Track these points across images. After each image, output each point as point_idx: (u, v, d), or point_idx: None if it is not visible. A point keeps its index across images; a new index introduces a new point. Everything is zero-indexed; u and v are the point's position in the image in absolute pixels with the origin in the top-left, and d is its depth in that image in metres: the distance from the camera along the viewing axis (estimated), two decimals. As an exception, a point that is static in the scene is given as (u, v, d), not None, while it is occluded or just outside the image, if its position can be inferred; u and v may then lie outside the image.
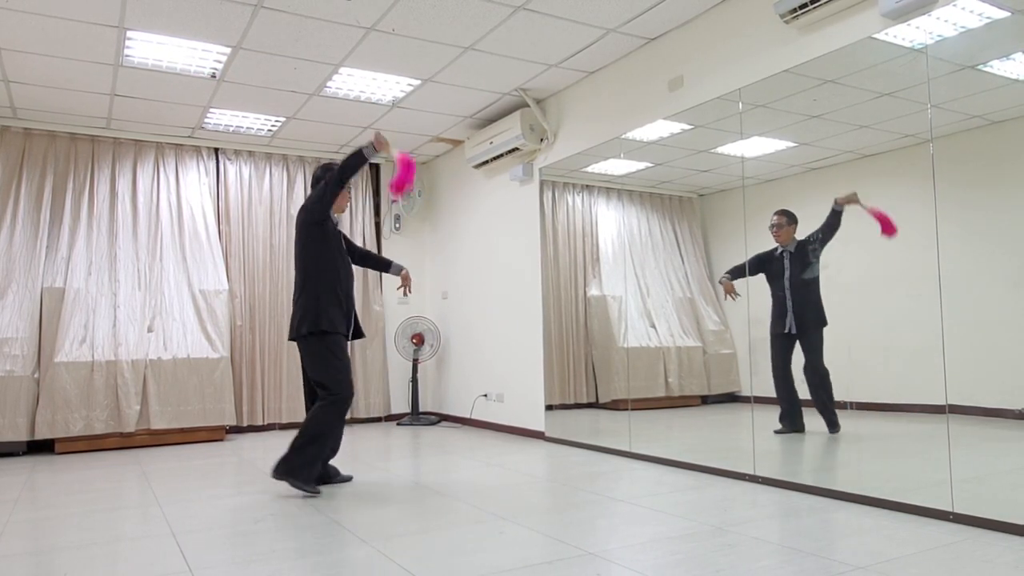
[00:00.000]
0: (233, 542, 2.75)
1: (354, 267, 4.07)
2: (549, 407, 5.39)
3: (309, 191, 4.13)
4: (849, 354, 3.59)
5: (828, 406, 3.75)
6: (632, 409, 4.79)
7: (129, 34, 4.14)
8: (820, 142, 3.81)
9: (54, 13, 3.87)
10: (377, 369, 6.82)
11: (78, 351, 5.36)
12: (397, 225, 7.17)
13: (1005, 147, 2.99)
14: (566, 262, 5.56)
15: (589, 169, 5.27)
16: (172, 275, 5.91)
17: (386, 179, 7.15)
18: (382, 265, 4.25)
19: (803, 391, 3.85)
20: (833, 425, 3.73)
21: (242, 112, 5.54)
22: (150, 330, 5.70)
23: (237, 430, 6.10)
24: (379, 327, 6.87)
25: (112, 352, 5.45)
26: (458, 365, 6.70)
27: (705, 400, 4.93)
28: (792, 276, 3.83)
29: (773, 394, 3.89)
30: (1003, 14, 2.79)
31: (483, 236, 6.31)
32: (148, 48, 4.33)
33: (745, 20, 3.81)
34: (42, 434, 5.15)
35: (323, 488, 3.72)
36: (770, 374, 3.91)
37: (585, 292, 5.52)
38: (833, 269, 3.65)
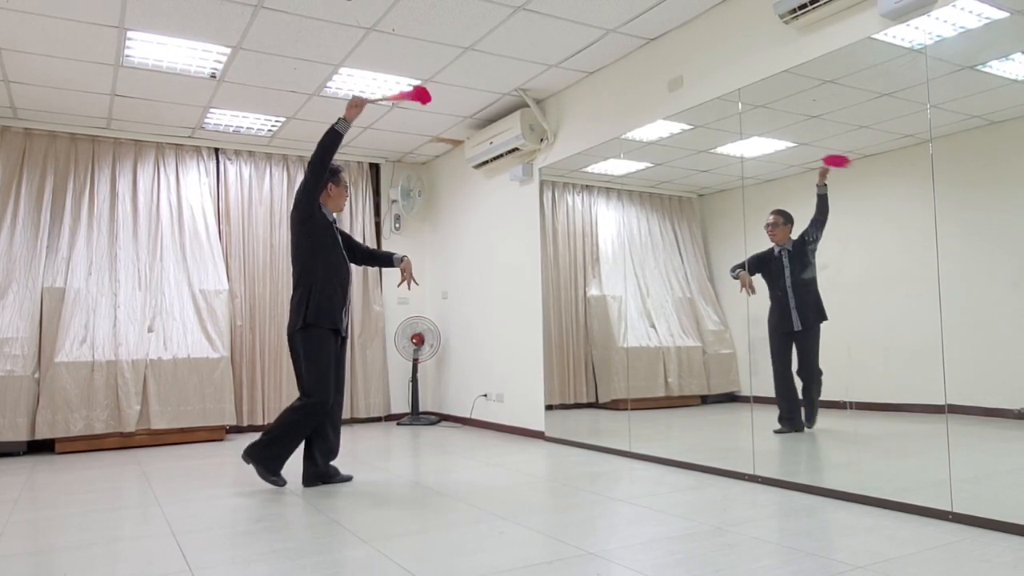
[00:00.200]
0: (233, 542, 2.75)
1: (354, 267, 4.07)
2: (549, 407, 5.39)
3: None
4: (849, 354, 3.59)
5: (815, 403, 3.81)
6: (632, 409, 4.79)
7: (129, 34, 4.14)
8: (820, 142, 3.81)
9: (54, 13, 3.87)
10: (377, 369, 6.82)
11: (78, 351, 5.36)
12: (397, 225, 7.17)
13: (1004, 147, 2.99)
14: (566, 262, 5.57)
15: (589, 169, 5.27)
16: (172, 275, 5.91)
17: (386, 178, 7.15)
18: (385, 261, 4.21)
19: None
20: (812, 419, 3.81)
21: (242, 112, 5.54)
22: (150, 330, 5.70)
23: (237, 430, 6.11)
24: (379, 327, 6.87)
25: (112, 352, 5.45)
26: (458, 365, 6.71)
27: (705, 400, 4.94)
28: (793, 274, 3.84)
29: (773, 394, 3.89)
30: (1002, 14, 2.80)
31: (483, 236, 6.31)
32: (148, 48, 4.34)
33: (745, 20, 3.81)
34: (42, 434, 5.16)
35: (323, 488, 3.73)
36: (770, 374, 3.91)
37: (585, 292, 5.53)
38: (833, 269, 3.65)
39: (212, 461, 4.75)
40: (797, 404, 3.87)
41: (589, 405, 5.46)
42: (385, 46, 4.39)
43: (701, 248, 5.03)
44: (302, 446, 3.81)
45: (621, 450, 4.55)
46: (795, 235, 3.83)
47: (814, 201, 3.67)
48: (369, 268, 6.84)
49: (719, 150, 4.34)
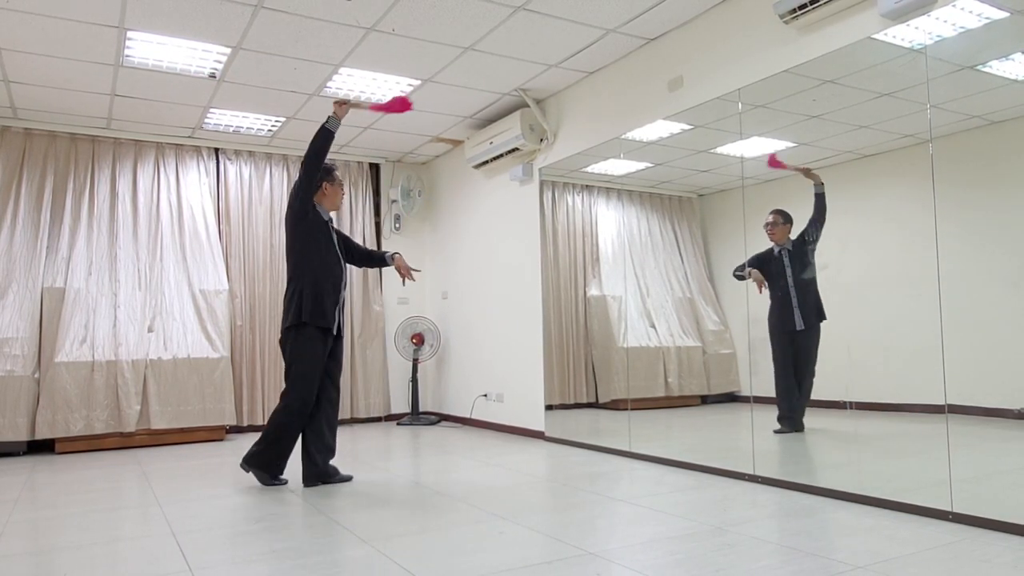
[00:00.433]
0: (233, 542, 2.75)
1: (354, 267, 4.07)
2: (549, 407, 5.39)
3: None
4: (849, 354, 3.59)
5: (804, 404, 3.86)
6: (632, 409, 4.79)
7: (129, 34, 4.14)
8: (819, 142, 3.81)
9: (54, 13, 3.87)
10: (377, 369, 6.82)
11: (78, 351, 5.36)
12: (397, 225, 7.17)
13: (1004, 147, 2.99)
14: (566, 262, 5.57)
15: (589, 169, 5.27)
16: (172, 275, 5.91)
17: (386, 178, 7.15)
18: (380, 261, 4.21)
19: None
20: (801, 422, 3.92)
21: (242, 112, 5.54)
22: (150, 330, 5.70)
23: (237, 430, 6.11)
24: (379, 327, 6.87)
25: (112, 352, 5.45)
26: (458, 365, 6.71)
27: (705, 400, 4.94)
28: (794, 274, 3.85)
29: (773, 394, 3.89)
30: (1002, 14, 2.80)
31: (483, 236, 6.31)
32: (148, 48, 4.34)
33: (745, 20, 3.81)
34: (42, 434, 5.16)
35: (323, 488, 3.73)
36: (770, 374, 3.91)
37: (585, 292, 5.53)
38: (833, 269, 3.65)
39: (212, 461, 4.75)
40: (797, 404, 3.88)
41: (589, 405, 5.46)
42: (385, 46, 4.39)
43: (701, 248, 5.03)
44: (299, 445, 3.81)
45: (621, 450, 4.55)
46: (794, 235, 3.83)
47: (813, 200, 3.67)
48: (369, 268, 6.84)
49: (719, 150, 4.34)
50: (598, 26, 4.20)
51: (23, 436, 5.13)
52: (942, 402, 2.82)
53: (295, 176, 6.56)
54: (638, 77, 4.58)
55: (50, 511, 3.38)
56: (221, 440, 5.73)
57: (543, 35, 4.30)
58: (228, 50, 4.39)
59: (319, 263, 3.76)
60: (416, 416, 6.72)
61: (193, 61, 4.54)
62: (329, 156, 6.66)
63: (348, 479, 3.91)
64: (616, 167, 5.10)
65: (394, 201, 7.08)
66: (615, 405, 5.12)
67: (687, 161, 4.82)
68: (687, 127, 4.37)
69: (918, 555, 2.34)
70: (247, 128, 5.92)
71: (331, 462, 3.87)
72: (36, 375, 5.26)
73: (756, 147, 3.94)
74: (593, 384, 5.47)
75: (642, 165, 5.03)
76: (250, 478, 3.94)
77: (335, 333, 3.82)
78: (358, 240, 6.83)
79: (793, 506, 3.06)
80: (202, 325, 5.86)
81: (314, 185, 3.77)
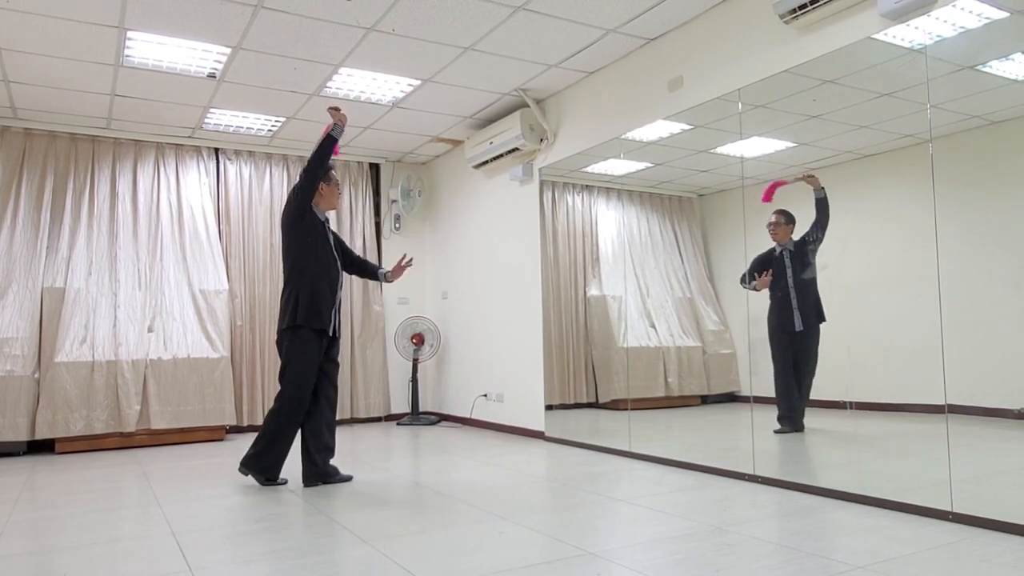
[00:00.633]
0: (233, 542, 2.75)
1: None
2: (549, 407, 5.39)
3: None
4: (849, 354, 3.59)
5: (803, 405, 3.86)
6: (632, 409, 4.79)
7: (129, 34, 4.14)
8: (819, 142, 3.81)
9: (54, 13, 3.87)
10: (377, 369, 6.82)
11: (78, 351, 5.36)
12: (397, 225, 7.17)
13: (1004, 147, 2.99)
14: (566, 262, 5.57)
15: (589, 169, 5.27)
16: (172, 275, 5.91)
17: (386, 178, 7.15)
18: (372, 274, 4.21)
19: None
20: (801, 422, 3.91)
21: (242, 112, 5.54)
22: (150, 330, 5.70)
23: (237, 430, 6.11)
24: (379, 327, 6.87)
25: (112, 352, 5.45)
26: (458, 365, 6.71)
27: (705, 400, 4.93)
28: (795, 274, 3.85)
29: (773, 394, 3.89)
30: (1002, 14, 2.80)
31: (483, 236, 6.31)
32: (148, 48, 4.34)
33: (745, 20, 3.81)
34: (42, 434, 5.16)
35: (323, 488, 3.73)
36: (770, 374, 3.91)
37: (585, 292, 5.53)
38: (833, 269, 3.65)
39: (212, 461, 4.75)
40: (798, 404, 3.88)
41: (589, 405, 5.46)
42: (385, 46, 4.39)
43: (701, 248, 5.03)
44: (299, 445, 3.82)
45: (621, 450, 4.55)
46: (797, 235, 3.83)
47: (814, 205, 3.67)
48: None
49: (719, 150, 4.34)
50: (598, 26, 4.20)
51: (23, 436, 5.13)
52: (942, 402, 2.82)
53: (295, 176, 6.59)
54: (638, 77, 4.58)
55: (50, 511, 3.38)
56: (221, 440, 5.73)
57: (543, 35, 4.29)
58: (228, 50, 4.39)
59: (316, 265, 3.77)
60: (416, 416, 6.72)
61: (193, 61, 4.54)
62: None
63: (348, 479, 3.91)
64: (616, 167, 5.10)
65: (394, 201, 7.08)
66: (615, 405, 5.12)
67: (687, 161, 4.82)
68: (687, 127, 4.37)
69: (918, 555, 2.34)
70: (247, 128, 5.92)
71: (331, 462, 3.87)
72: (36, 375, 5.26)
73: (756, 147, 3.94)
74: (593, 384, 5.47)
75: (642, 165, 5.03)
76: (250, 479, 3.95)
77: (331, 334, 3.82)
78: (358, 240, 6.84)
79: (793, 506, 3.06)
80: (202, 325, 5.86)
81: (314, 189, 3.78)
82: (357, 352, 6.72)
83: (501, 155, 5.69)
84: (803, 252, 3.79)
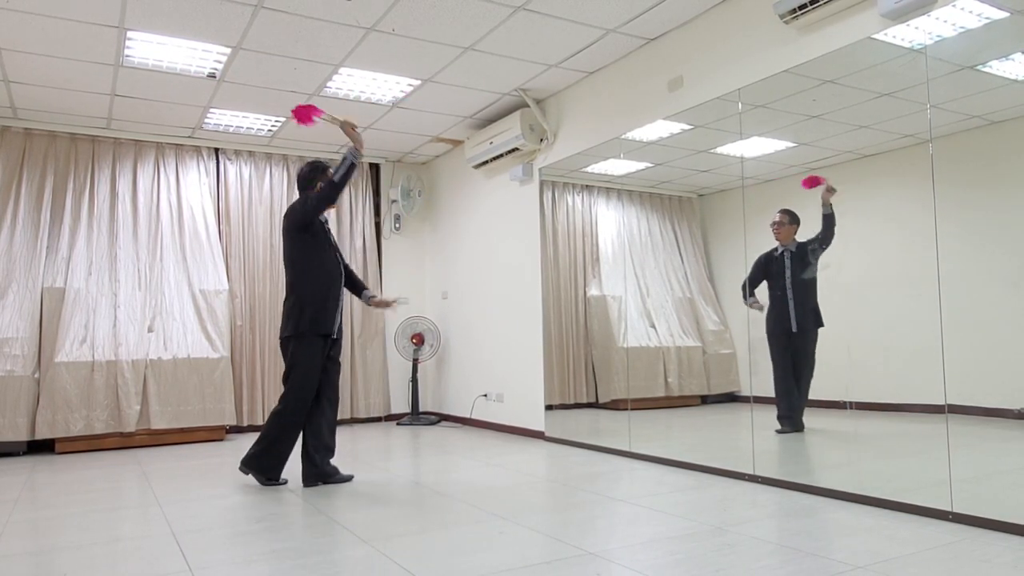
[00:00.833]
0: (233, 542, 2.75)
1: (351, 269, 4.09)
2: (549, 407, 5.39)
3: (296, 188, 4.14)
4: (849, 354, 3.59)
5: (803, 405, 3.86)
6: (632, 409, 4.79)
7: (129, 34, 4.14)
8: (819, 142, 3.81)
9: (54, 13, 3.87)
10: (377, 369, 6.82)
11: (78, 351, 5.36)
12: (397, 225, 7.17)
13: (1004, 147, 2.99)
14: (566, 262, 5.57)
15: (589, 169, 5.27)
16: (172, 275, 5.91)
17: (386, 178, 7.15)
18: (357, 291, 4.17)
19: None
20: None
21: (242, 112, 5.54)
22: (150, 330, 5.70)
23: (237, 430, 6.11)
24: (379, 327, 6.87)
25: (112, 352, 5.45)
26: (458, 365, 6.71)
27: (705, 400, 4.94)
28: (793, 276, 3.84)
29: (773, 394, 3.89)
30: (1002, 14, 2.80)
31: (483, 236, 6.31)
32: (148, 48, 4.34)
33: (745, 20, 3.81)
34: (42, 434, 5.16)
35: (323, 488, 3.73)
36: (770, 374, 3.91)
37: (585, 292, 5.53)
38: (833, 269, 3.65)
39: (212, 461, 4.75)
40: (797, 404, 3.88)
41: (589, 405, 5.46)
42: (385, 46, 4.39)
43: (701, 248, 5.03)
44: (299, 445, 3.82)
45: (621, 450, 4.55)
46: (801, 237, 3.82)
47: (819, 213, 3.67)
48: (369, 269, 6.86)
49: (719, 150, 4.34)
50: (598, 26, 4.20)
51: (23, 436, 5.13)
52: (942, 402, 2.82)
53: (295, 176, 6.58)
54: (638, 77, 4.58)
55: (50, 511, 3.38)
56: (221, 440, 5.73)
57: (543, 35, 4.30)
58: (228, 50, 4.39)
59: (320, 271, 3.80)
60: (416, 416, 6.72)
61: (193, 61, 4.54)
62: (328, 156, 6.71)
63: (348, 479, 3.91)
64: (616, 167, 5.10)
65: (394, 201, 7.08)
66: (615, 405, 5.12)
67: (687, 161, 4.82)
68: (687, 127, 4.37)
69: (918, 555, 2.34)
70: (247, 128, 5.92)
71: (331, 462, 3.87)
72: (36, 375, 5.26)
73: (756, 147, 3.94)
74: (593, 384, 5.47)
75: (642, 165, 5.03)
76: (250, 478, 3.95)
77: (334, 336, 3.85)
78: (358, 240, 6.84)
79: (793, 506, 3.06)
80: (202, 325, 5.86)
81: (325, 209, 3.79)
82: (357, 352, 6.72)
83: (501, 155, 5.69)
84: (804, 255, 3.79)
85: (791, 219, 3.86)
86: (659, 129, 4.51)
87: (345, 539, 2.75)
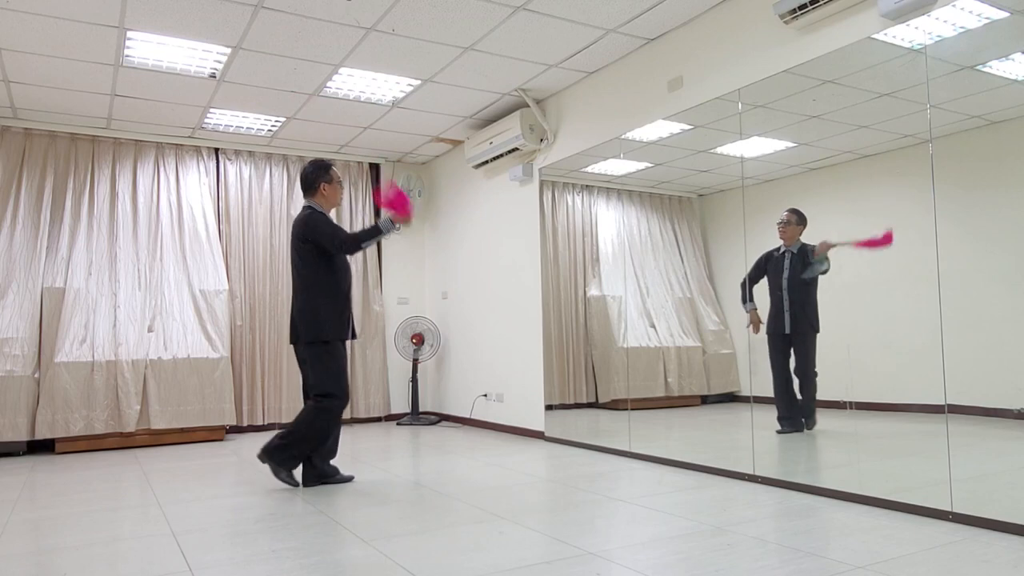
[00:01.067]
0: (233, 542, 2.75)
1: (353, 268, 4.08)
2: (549, 407, 5.39)
3: (299, 189, 4.14)
4: (849, 354, 3.59)
5: (811, 404, 3.82)
6: (632, 409, 4.79)
7: (129, 34, 4.14)
8: (819, 142, 3.81)
9: (54, 13, 3.87)
10: (377, 369, 6.82)
11: (78, 351, 5.36)
12: (397, 225, 7.15)
13: (1004, 147, 2.99)
14: (566, 262, 5.57)
15: (589, 169, 5.27)
16: (172, 275, 5.91)
17: (385, 178, 7.15)
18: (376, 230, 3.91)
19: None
20: (810, 421, 3.85)
21: (242, 112, 5.54)
22: (150, 330, 5.70)
23: (237, 430, 6.11)
24: (379, 327, 6.87)
25: (112, 352, 5.45)
26: (458, 365, 6.71)
27: (705, 400, 4.93)
28: (791, 277, 3.84)
29: (772, 394, 3.89)
30: (1002, 14, 2.80)
31: (483, 236, 6.31)
32: (148, 48, 4.34)
33: (745, 20, 3.81)
34: (42, 434, 5.16)
35: (323, 488, 3.73)
36: (770, 374, 3.91)
37: (585, 292, 5.53)
38: (833, 269, 3.65)
39: (212, 461, 4.75)
40: (796, 404, 3.87)
41: (589, 405, 5.46)
42: (385, 46, 4.39)
43: (701, 248, 5.03)
44: None
45: (621, 450, 4.55)
46: (806, 239, 3.81)
47: (822, 209, 3.67)
48: (369, 268, 6.85)
49: (719, 150, 4.34)
50: (598, 26, 4.20)
51: (23, 436, 5.13)
52: (942, 402, 2.82)
53: (295, 176, 6.60)
54: (638, 77, 4.58)
55: (50, 511, 3.38)
56: (221, 440, 5.73)
57: (543, 35, 4.30)
58: (228, 50, 4.39)
59: (334, 276, 3.80)
60: (416, 416, 6.72)
61: (193, 61, 4.54)
62: (328, 156, 6.70)
63: (349, 479, 3.91)
64: (616, 167, 5.10)
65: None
66: (615, 405, 5.12)
67: (687, 161, 4.82)
68: (687, 127, 4.37)
69: (918, 555, 2.34)
70: (247, 128, 5.92)
71: (331, 462, 3.87)
72: (36, 375, 5.26)
73: (756, 147, 3.94)
74: (593, 384, 5.47)
75: (642, 165, 5.03)
76: (250, 477, 3.95)
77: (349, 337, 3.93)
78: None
79: (793, 506, 3.06)
80: (202, 325, 5.86)
81: (345, 252, 3.81)
82: (357, 352, 6.72)
83: (501, 155, 5.69)
84: (803, 258, 3.79)
85: (799, 219, 3.84)
86: (659, 129, 4.51)
87: (345, 539, 2.75)
